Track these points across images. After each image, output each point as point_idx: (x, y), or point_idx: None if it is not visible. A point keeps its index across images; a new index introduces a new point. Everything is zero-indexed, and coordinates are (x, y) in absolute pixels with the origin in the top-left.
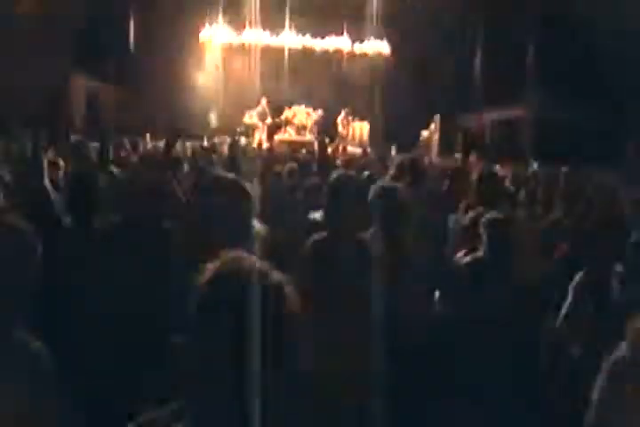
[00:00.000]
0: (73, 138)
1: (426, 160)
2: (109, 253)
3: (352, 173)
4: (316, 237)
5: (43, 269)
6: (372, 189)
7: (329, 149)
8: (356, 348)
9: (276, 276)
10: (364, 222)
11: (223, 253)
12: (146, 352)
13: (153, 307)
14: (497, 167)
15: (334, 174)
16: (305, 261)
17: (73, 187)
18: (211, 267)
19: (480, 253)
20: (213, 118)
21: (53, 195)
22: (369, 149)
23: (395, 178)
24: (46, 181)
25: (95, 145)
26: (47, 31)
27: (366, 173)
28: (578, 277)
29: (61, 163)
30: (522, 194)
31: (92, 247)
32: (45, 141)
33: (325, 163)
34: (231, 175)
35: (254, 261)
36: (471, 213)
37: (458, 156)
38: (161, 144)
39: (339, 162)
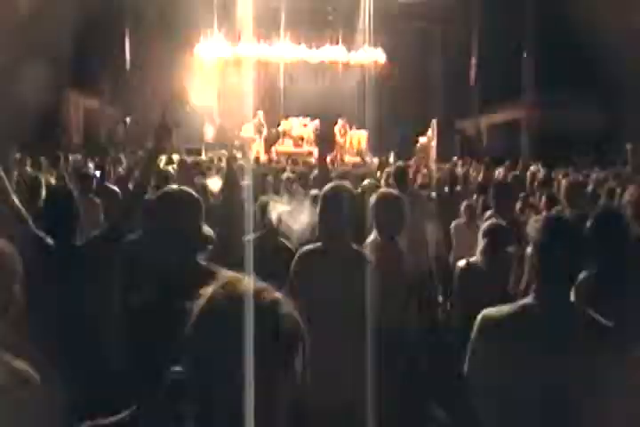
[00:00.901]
0: (71, 157)
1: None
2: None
3: (346, 183)
4: (307, 247)
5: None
6: (374, 197)
7: (328, 159)
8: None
9: (274, 295)
10: (359, 232)
11: (220, 275)
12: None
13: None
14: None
15: (328, 185)
16: (295, 272)
17: (49, 204)
18: (208, 290)
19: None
20: (209, 131)
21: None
22: (367, 158)
23: (388, 186)
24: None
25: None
26: (44, 47)
27: (366, 181)
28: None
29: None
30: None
31: (73, 264)
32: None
33: (326, 174)
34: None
35: (251, 282)
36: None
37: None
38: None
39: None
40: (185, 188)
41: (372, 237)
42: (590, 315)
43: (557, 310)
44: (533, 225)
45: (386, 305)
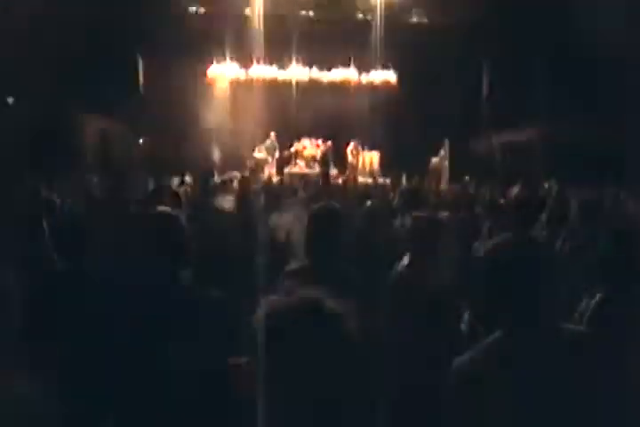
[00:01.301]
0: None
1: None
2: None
3: (334, 203)
4: (291, 266)
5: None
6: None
7: (340, 180)
8: None
9: (332, 304)
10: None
11: (280, 286)
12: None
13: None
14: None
15: (316, 205)
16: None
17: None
18: (268, 300)
19: None
20: (216, 154)
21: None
22: (380, 179)
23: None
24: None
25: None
26: (60, 71)
27: (368, 202)
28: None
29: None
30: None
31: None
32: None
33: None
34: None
35: (310, 291)
36: None
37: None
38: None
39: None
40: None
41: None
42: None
43: None
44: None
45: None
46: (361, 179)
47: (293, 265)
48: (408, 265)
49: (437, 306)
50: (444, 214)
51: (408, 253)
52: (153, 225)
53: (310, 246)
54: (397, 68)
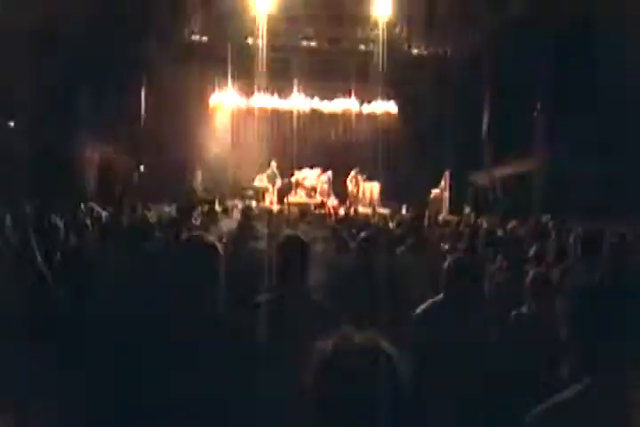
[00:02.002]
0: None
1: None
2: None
3: (297, 233)
4: (261, 297)
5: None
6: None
7: (341, 210)
8: None
9: (388, 348)
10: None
11: (334, 332)
12: None
13: None
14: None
15: (282, 235)
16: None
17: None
18: (322, 346)
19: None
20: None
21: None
22: (378, 209)
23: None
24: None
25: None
26: (60, 99)
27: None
28: None
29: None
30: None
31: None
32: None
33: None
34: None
35: (366, 335)
36: None
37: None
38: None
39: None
40: None
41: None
42: None
43: None
44: None
45: None
46: (361, 209)
47: (261, 297)
48: (442, 305)
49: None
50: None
51: (442, 293)
52: (193, 252)
53: (280, 276)
54: (398, 99)
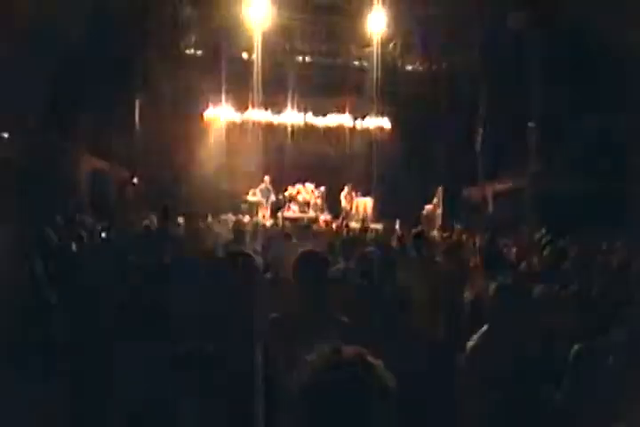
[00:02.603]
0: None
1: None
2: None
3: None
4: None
5: None
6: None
7: (333, 225)
8: None
9: (374, 361)
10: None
11: (319, 346)
12: None
13: None
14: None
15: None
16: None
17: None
18: (309, 360)
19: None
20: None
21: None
22: (371, 225)
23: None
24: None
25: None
26: (55, 111)
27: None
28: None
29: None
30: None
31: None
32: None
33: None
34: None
35: (352, 350)
36: None
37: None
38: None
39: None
40: None
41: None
42: None
43: None
44: None
45: None
46: (353, 224)
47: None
48: (486, 336)
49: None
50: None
51: (488, 324)
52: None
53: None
54: (392, 115)
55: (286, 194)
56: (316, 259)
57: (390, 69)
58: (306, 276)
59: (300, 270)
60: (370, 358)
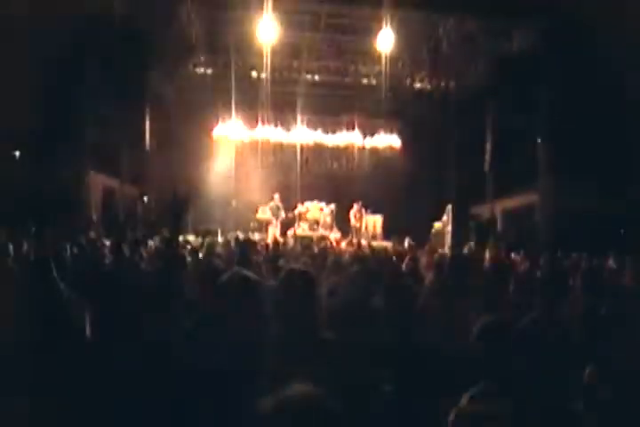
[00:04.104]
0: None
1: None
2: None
3: (298, 268)
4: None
5: None
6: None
7: (343, 243)
8: None
9: (331, 404)
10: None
11: (288, 385)
12: None
13: None
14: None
15: (283, 272)
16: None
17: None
18: (277, 397)
19: None
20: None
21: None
22: (381, 242)
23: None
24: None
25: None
26: (64, 131)
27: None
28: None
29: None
30: None
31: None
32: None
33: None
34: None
35: (313, 390)
36: None
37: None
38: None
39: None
40: None
41: None
42: None
43: None
44: None
45: None
46: (364, 242)
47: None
48: None
49: None
50: None
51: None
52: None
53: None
54: (401, 133)
55: (296, 212)
56: (302, 278)
57: (399, 87)
58: (291, 295)
59: (285, 289)
60: (325, 402)
